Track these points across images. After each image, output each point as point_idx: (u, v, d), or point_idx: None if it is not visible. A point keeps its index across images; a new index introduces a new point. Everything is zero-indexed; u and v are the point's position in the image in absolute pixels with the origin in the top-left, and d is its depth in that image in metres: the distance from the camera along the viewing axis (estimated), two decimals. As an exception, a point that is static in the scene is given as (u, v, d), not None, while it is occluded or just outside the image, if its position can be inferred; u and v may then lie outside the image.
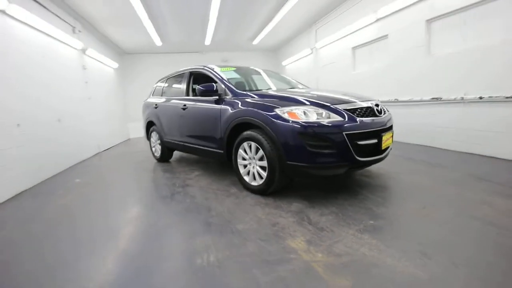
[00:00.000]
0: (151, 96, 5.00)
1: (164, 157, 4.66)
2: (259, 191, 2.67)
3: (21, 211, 2.75)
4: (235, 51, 10.77)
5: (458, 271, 1.39)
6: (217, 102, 3.13)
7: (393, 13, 4.82)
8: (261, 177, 2.63)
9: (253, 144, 2.62)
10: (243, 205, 2.47)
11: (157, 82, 4.97)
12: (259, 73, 3.95)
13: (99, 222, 2.38)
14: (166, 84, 4.58)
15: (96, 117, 6.54)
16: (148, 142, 5.20)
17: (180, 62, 10.33)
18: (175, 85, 4.30)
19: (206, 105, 3.27)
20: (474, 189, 2.51)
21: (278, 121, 2.35)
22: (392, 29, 4.93)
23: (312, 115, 2.28)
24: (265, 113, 2.45)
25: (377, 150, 2.44)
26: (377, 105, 2.66)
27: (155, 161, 4.90)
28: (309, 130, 2.20)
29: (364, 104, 2.51)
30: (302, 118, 2.27)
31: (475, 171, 3.04)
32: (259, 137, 2.52)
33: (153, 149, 4.91)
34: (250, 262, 1.60)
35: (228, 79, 3.22)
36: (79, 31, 5.80)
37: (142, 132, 10.04)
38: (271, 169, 2.46)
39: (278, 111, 2.38)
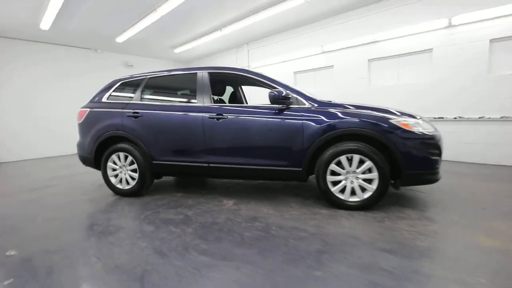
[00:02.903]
0: (104, 101, 3.35)
1: (142, 188, 3.21)
2: (361, 206, 2.50)
3: None
4: (144, 56, 9.12)
5: None
6: (281, 112, 2.67)
7: (338, 49, 5.98)
8: (362, 191, 2.50)
9: (356, 157, 2.46)
10: (370, 224, 2.24)
11: (119, 83, 3.41)
12: None
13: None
14: (151, 86, 3.26)
15: None
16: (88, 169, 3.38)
17: (69, 60, 7.61)
18: (178, 88, 3.17)
19: (269, 117, 2.68)
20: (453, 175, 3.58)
21: (399, 131, 2.38)
22: (338, 62, 6.07)
23: (418, 126, 2.48)
24: (382, 124, 2.41)
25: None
26: None
27: (110, 198, 3.27)
28: (431, 139, 2.39)
29: None
30: (414, 129, 2.43)
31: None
32: (366, 148, 2.42)
33: (115, 179, 3.27)
34: (489, 264, 1.55)
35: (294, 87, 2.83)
36: None
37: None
38: (383, 180, 2.41)
39: (393, 122, 2.42)
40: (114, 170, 3.27)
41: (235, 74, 3.00)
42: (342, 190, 2.56)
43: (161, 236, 2.16)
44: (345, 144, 2.49)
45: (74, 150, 3.66)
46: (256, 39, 7.61)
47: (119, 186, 3.27)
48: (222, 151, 2.84)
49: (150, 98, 3.26)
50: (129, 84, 3.39)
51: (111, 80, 3.48)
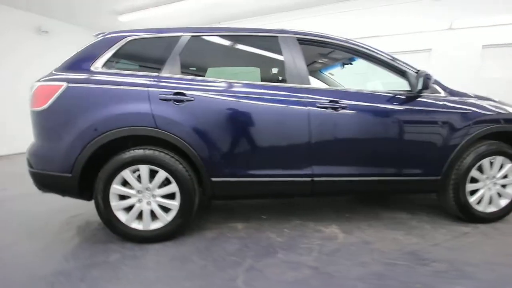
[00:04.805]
0: (99, 70, 1.80)
1: (185, 225, 1.87)
2: (495, 217, 2.12)
3: None
4: (68, 21, 6.48)
5: None
6: (410, 101, 2.00)
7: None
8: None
9: (499, 159, 2.05)
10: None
11: (125, 39, 1.88)
12: None
13: None
14: (196, 52, 1.93)
15: None
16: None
17: None
18: (244, 60, 1.97)
19: (407, 108, 1.98)
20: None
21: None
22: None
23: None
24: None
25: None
26: None
27: (119, 248, 1.83)
28: None
29: None
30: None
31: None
32: (509, 149, 2.05)
33: (127, 214, 1.80)
34: None
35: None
36: None
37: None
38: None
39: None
40: (124, 198, 1.81)
41: (341, 45, 2.10)
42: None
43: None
44: (485, 144, 2.04)
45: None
46: (233, 18, 6.46)
47: (136, 226, 1.82)
48: (339, 158, 1.90)
49: (195, 67, 1.96)
50: (148, 44, 1.94)
51: (108, 35, 1.91)
